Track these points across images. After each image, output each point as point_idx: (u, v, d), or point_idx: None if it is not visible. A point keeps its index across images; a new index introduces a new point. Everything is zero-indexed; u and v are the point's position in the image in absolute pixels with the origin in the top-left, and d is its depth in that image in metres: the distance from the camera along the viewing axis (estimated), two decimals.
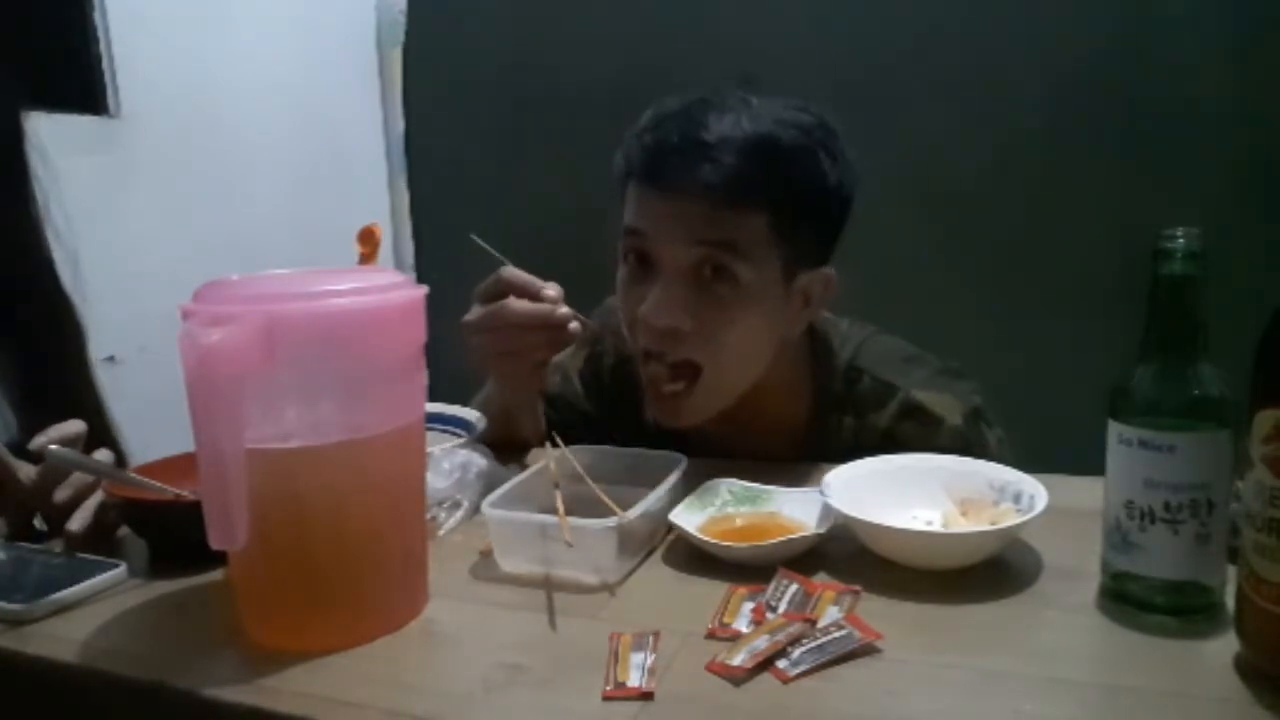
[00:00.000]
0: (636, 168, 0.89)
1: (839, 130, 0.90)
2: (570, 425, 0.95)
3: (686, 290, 0.86)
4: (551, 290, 0.88)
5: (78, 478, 0.83)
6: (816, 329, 1.00)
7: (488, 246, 0.90)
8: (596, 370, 1.13)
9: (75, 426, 0.85)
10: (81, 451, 0.84)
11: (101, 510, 0.83)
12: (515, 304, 0.87)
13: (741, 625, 0.64)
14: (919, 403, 0.94)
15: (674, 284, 0.86)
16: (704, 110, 0.85)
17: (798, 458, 0.95)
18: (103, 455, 0.85)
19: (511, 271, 0.89)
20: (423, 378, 0.71)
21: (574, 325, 0.88)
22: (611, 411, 1.10)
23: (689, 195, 0.84)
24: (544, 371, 0.93)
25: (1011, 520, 0.72)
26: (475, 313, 0.89)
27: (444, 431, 1.05)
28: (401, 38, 2.30)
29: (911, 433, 0.92)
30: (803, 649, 0.59)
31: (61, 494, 0.83)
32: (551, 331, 0.88)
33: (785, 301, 0.90)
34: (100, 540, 0.83)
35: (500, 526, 0.75)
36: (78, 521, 0.81)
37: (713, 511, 0.82)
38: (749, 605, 0.67)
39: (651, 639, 0.62)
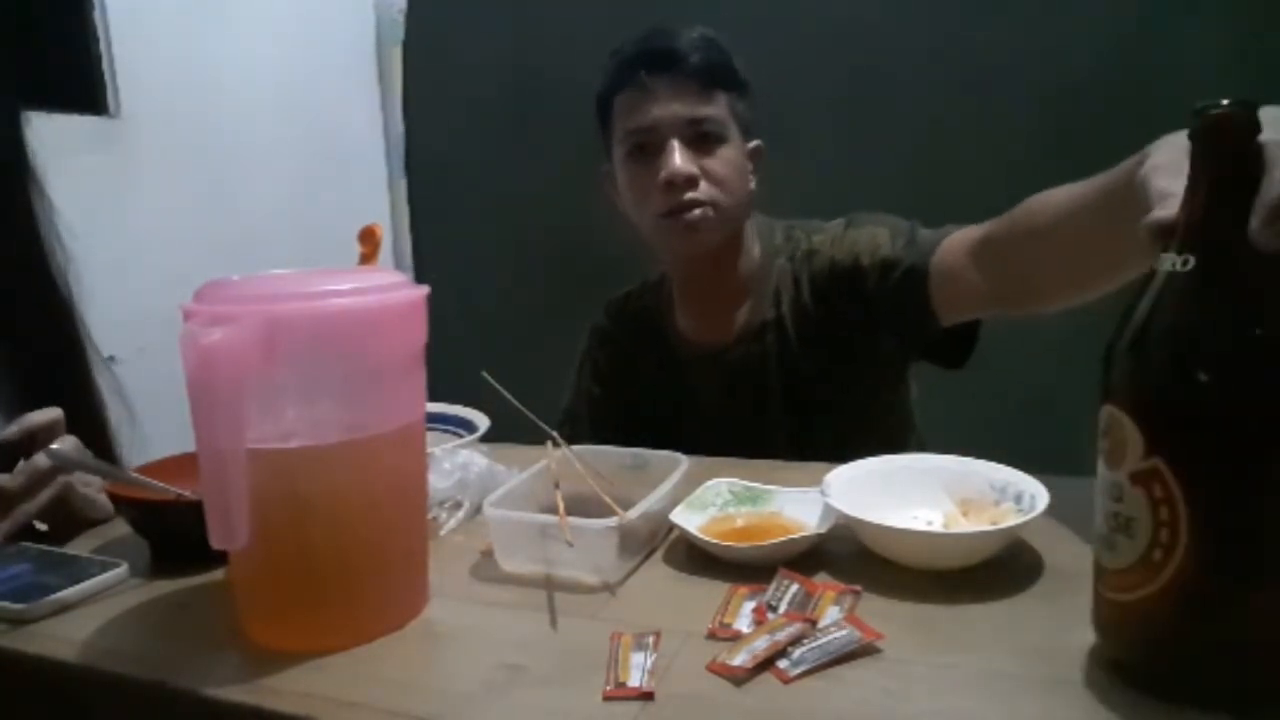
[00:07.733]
0: (630, 79, 1.13)
1: None
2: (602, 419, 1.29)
3: (692, 150, 1.12)
4: None
5: (32, 471, 0.82)
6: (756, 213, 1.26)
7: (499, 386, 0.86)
8: (603, 359, 1.34)
9: (50, 414, 0.85)
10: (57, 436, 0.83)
11: (48, 514, 0.83)
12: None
13: (742, 625, 0.64)
14: (852, 218, 1.19)
15: (681, 148, 1.11)
16: (664, 30, 1.14)
17: (752, 296, 1.20)
18: (65, 444, 0.84)
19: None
20: (423, 377, 0.71)
21: None
22: (626, 365, 1.32)
23: (680, 81, 1.11)
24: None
25: (1012, 520, 0.72)
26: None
27: (444, 431, 1.05)
28: (401, 38, 2.31)
29: (846, 232, 1.16)
30: (803, 649, 0.59)
31: (13, 482, 0.81)
32: None
33: (745, 158, 1.18)
34: (58, 541, 0.83)
35: (501, 526, 0.75)
36: None
37: (713, 511, 0.82)
38: (750, 605, 0.67)
39: (652, 639, 0.62)
